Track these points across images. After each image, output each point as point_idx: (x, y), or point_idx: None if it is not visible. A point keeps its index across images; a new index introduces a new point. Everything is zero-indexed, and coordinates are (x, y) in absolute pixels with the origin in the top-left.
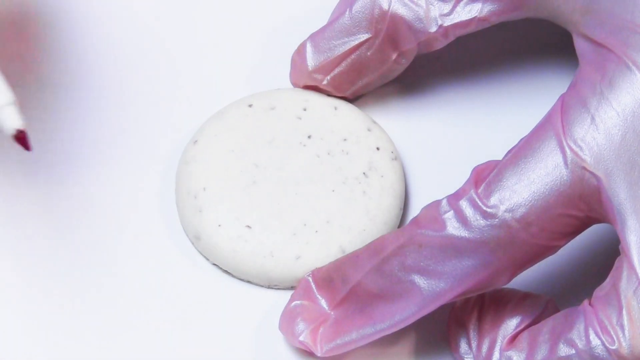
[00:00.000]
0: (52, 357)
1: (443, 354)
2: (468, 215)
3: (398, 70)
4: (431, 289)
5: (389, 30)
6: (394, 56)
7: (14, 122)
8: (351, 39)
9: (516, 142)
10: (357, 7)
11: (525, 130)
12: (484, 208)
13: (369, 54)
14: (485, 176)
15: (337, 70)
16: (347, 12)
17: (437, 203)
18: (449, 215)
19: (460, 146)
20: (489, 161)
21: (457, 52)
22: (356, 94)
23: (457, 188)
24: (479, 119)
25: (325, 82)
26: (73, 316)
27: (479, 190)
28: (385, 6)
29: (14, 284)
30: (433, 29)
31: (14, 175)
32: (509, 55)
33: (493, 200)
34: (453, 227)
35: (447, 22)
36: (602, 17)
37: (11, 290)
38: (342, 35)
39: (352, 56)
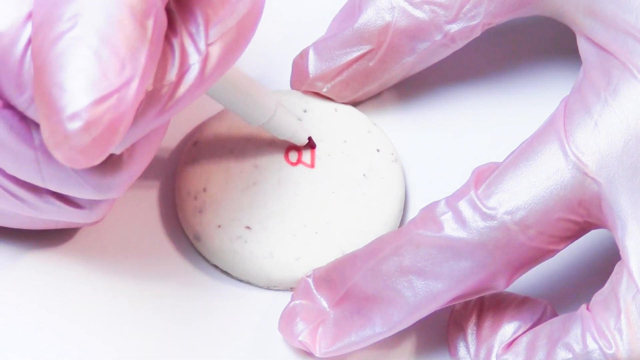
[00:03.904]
0: (51, 355)
1: (443, 357)
2: (467, 216)
3: (399, 78)
4: (428, 290)
5: (392, 43)
6: (396, 67)
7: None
8: (354, 50)
9: (516, 144)
10: (361, 19)
11: (525, 134)
12: (483, 209)
13: (370, 64)
14: (486, 177)
15: (338, 79)
16: (351, 24)
17: (435, 204)
18: (447, 217)
19: (461, 148)
20: (490, 163)
21: (458, 54)
22: (356, 101)
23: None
24: (480, 122)
25: (325, 89)
26: (72, 316)
27: (479, 192)
28: (388, 18)
29: (13, 283)
30: (438, 37)
31: None
32: (510, 58)
33: (492, 201)
34: (451, 228)
35: (453, 28)
36: (606, 20)
37: (10, 290)
38: (345, 46)
39: (354, 66)
